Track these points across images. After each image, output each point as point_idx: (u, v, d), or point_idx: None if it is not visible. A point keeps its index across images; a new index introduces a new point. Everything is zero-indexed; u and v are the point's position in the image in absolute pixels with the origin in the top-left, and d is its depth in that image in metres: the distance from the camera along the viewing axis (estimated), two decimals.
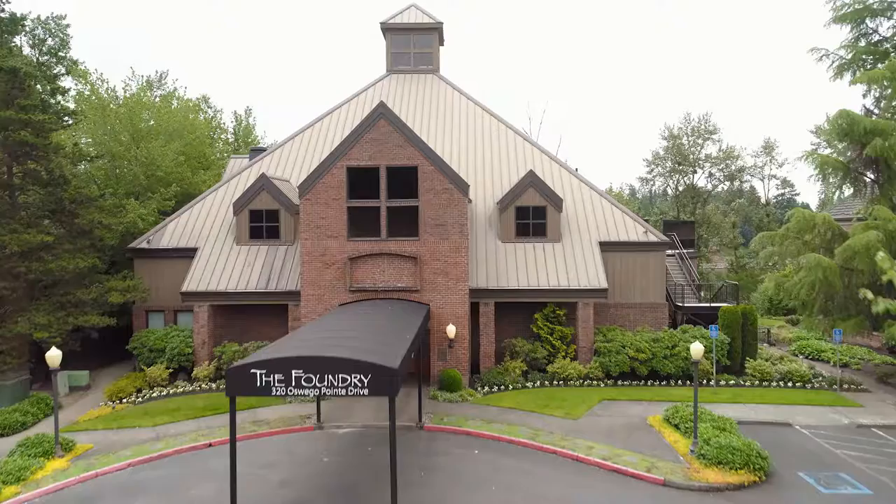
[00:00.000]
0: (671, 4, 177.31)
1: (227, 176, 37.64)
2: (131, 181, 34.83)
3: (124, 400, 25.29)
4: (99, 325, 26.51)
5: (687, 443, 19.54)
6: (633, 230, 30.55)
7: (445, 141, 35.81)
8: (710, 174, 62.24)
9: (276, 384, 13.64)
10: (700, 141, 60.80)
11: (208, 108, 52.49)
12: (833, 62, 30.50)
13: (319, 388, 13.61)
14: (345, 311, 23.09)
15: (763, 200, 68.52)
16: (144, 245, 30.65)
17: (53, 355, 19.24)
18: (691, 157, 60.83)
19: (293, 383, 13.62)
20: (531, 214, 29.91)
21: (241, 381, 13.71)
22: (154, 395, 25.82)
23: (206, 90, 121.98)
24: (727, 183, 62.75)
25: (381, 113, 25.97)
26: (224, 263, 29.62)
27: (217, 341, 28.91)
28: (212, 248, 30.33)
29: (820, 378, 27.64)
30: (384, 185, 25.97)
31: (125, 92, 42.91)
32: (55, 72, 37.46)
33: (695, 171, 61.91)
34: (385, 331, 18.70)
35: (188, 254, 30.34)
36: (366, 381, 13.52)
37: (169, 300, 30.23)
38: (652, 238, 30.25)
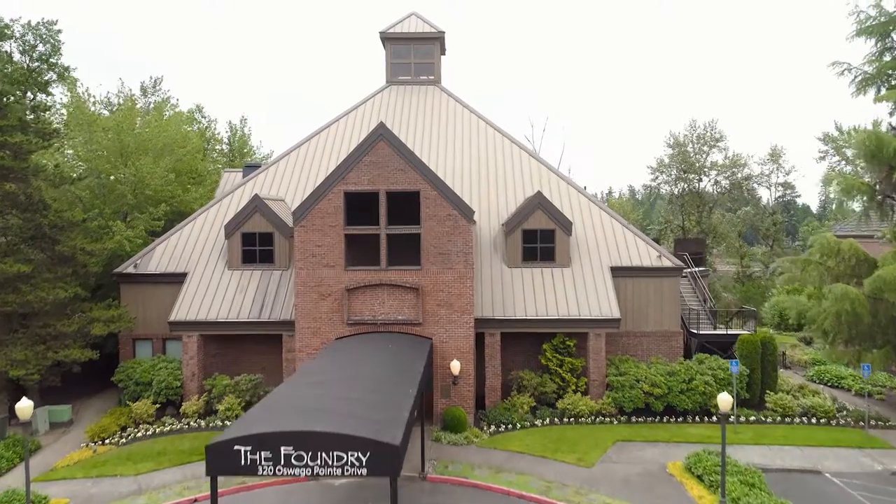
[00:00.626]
0: (670, 9, 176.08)
1: (219, 192, 36.06)
2: (118, 200, 33.21)
3: (107, 441, 23.69)
4: (81, 359, 24.93)
5: (713, 499, 18.03)
6: (647, 254, 29.00)
7: (448, 157, 34.23)
8: (716, 181, 60.74)
9: (263, 462, 12.13)
10: (706, 148, 59.33)
11: (202, 118, 50.91)
12: (856, 77, 28.98)
13: (312, 468, 12.09)
14: (341, 350, 21.53)
15: (770, 207, 66.79)
16: (131, 269, 29.08)
17: (24, 406, 17.60)
18: (697, 164, 59.33)
19: (282, 461, 12.13)
20: (539, 238, 28.35)
21: (222, 459, 12.17)
22: (139, 434, 24.24)
23: (200, 99, 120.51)
24: (734, 191, 61.13)
25: (381, 134, 24.42)
26: (215, 290, 28.06)
27: (207, 373, 27.33)
28: (202, 273, 28.78)
29: (845, 412, 26.12)
30: (384, 211, 24.41)
31: (118, 98, 41.37)
32: (46, 78, 35.99)
33: (700, 179, 60.39)
34: (385, 383, 17.15)
35: (177, 279, 28.79)
36: (364, 459, 12.01)
37: (157, 328, 28.68)
38: (666, 263, 28.70)
